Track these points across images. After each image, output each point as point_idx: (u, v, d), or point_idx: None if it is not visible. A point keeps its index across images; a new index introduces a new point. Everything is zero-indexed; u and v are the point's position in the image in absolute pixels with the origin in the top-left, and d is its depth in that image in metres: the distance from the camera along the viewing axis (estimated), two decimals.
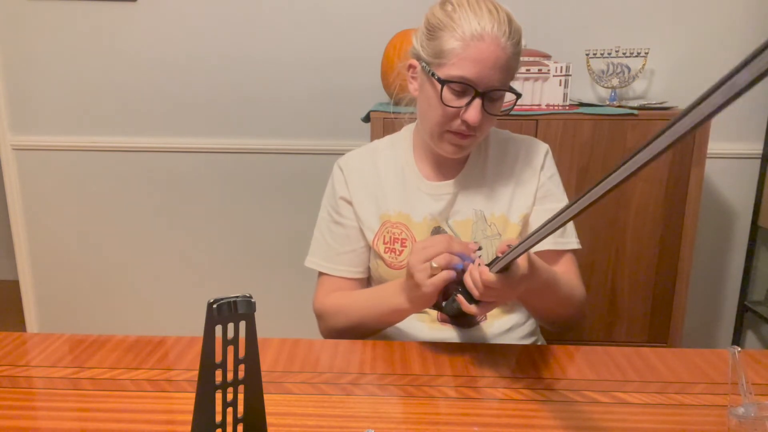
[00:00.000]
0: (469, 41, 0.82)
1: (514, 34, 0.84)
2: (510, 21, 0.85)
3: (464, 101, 0.86)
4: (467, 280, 0.76)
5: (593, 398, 0.74)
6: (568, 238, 0.98)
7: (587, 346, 0.89)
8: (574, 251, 0.99)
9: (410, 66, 0.95)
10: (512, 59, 0.85)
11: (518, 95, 0.89)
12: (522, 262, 0.73)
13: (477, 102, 0.85)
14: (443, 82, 0.85)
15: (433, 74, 0.86)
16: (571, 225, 1.00)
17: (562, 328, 0.97)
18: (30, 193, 2.09)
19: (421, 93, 0.92)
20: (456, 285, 0.80)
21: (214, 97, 1.98)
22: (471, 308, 0.77)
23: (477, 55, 0.82)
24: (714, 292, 2.07)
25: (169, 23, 1.92)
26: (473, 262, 0.78)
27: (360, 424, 0.67)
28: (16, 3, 1.92)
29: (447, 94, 0.86)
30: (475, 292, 0.75)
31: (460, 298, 0.78)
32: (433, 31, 0.86)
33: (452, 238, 0.79)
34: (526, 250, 0.65)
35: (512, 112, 1.51)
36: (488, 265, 0.73)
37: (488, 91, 0.85)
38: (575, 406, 0.72)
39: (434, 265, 0.77)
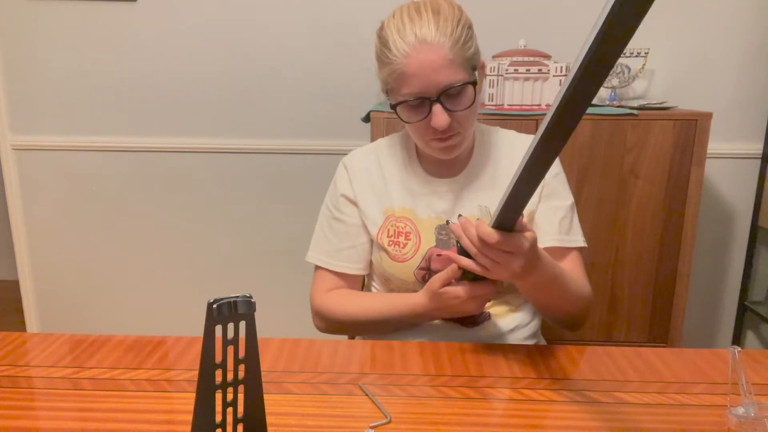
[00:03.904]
0: (401, 60, 0.83)
1: (444, 25, 0.82)
2: (437, 15, 0.83)
3: (425, 112, 0.86)
4: (464, 241, 0.76)
5: (593, 398, 0.74)
6: (574, 236, 0.98)
7: (587, 346, 0.89)
8: (580, 250, 0.99)
9: None
10: (453, 51, 0.83)
11: (474, 83, 0.86)
12: (528, 233, 0.73)
13: (436, 108, 0.85)
14: (394, 106, 0.88)
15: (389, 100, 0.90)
16: (576, 224, 1.00)
17: (568, 326, 0.97)
18: (30, 193, 2.09)
19: None
20: (458, 272, 0.81)
21: (214, 97, 1.98)
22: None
23: (413, 69, 0.83)
24: (714, 292, 2.07)
25: (169, 23, 1.92)
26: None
27: (360, 424, 0.67)
28: (16, 3, 1.92)
29: (405, 113, 0.88)
30: (473, 250, 0.74)
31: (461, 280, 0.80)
32: (378, 60, 0.89)
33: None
34: (514, 196, 0.66)
35: (512, 113, 1.52)
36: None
37: (441, 94, 0.84)
38: (575, 406, 0.72)
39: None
